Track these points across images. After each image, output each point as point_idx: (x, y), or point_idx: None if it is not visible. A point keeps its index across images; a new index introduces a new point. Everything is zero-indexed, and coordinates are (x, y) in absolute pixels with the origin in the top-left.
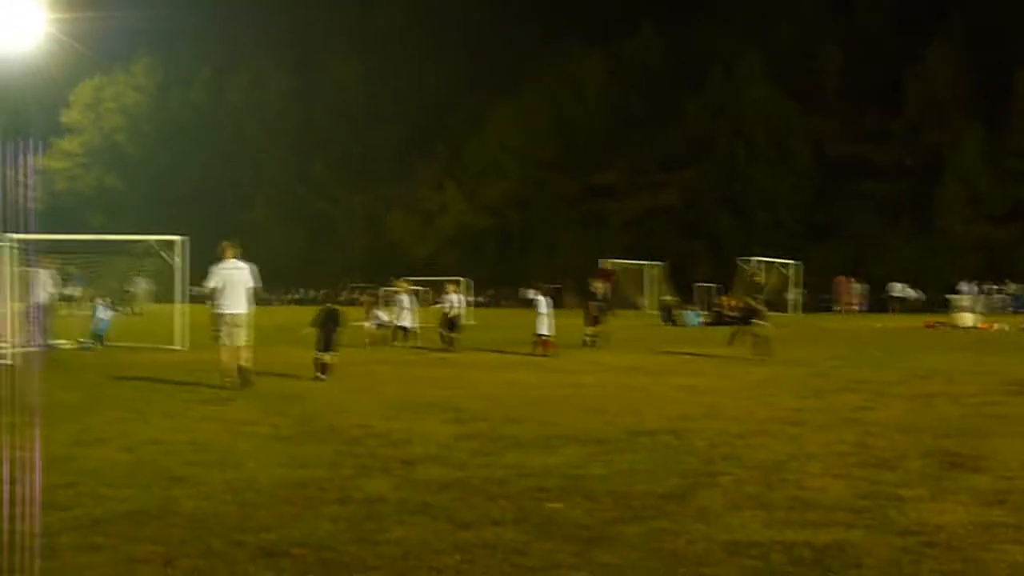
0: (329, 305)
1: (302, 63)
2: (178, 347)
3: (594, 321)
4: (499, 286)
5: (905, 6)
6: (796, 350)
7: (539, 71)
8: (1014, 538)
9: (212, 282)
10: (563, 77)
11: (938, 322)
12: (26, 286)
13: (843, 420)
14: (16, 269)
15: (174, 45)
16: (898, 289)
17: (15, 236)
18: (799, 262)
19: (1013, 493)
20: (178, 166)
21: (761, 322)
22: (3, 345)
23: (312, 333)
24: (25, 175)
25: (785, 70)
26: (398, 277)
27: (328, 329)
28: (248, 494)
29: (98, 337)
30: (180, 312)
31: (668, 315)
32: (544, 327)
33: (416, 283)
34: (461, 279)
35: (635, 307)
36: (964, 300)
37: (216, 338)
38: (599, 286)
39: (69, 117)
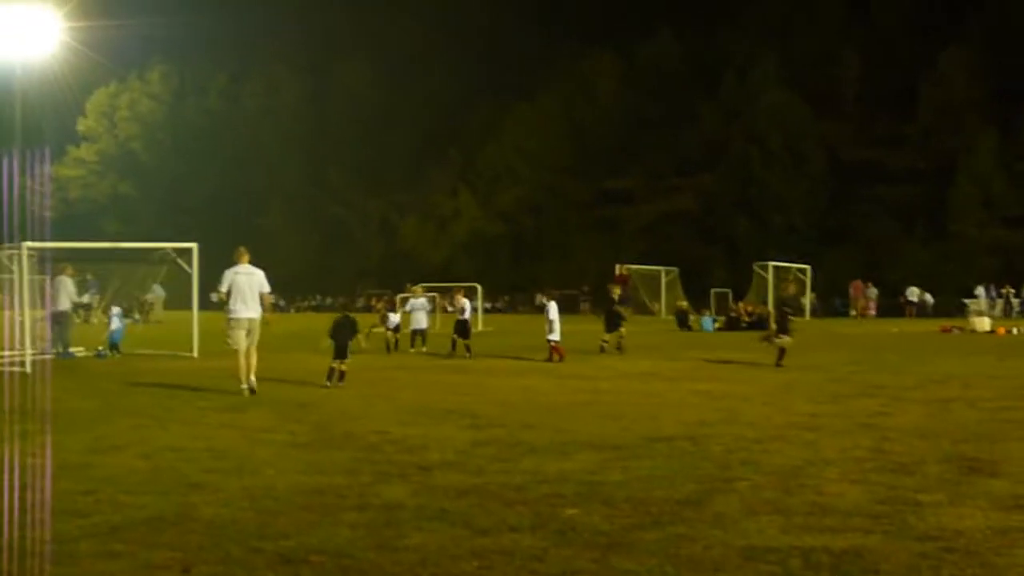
0: (344, 314)
1: (316, 69)
2: (193, 354)
3: (614, 327)
4: (514, 292)
5: (922, 11)
6: (813, 355)
7: (554, 76)
8: None
9: (223, 286)
10: (578, 82)
11: (954, 326)
12: (47, 294)
13: (860, 425)
14: (36, 277)
15: (189, 53)
16: (915, 294)
17: (31, 244)
18: (808, 267)
19: None
20: (193, 173)
21: (785, 335)
22: (21, 353)
23: (332, 345)
24: (42, 184)
25: (800, 75)
26: (414, 283)
27: (343, 337)
28: (266, 501)
29: (114, 346)
30: (195, 320)
31: (683, 320)
32: (553, 333)
33: (430, 289)
34: (477, 286)
35: (650, 312)
36: (980, 304)
37: (229, 344)
38: (617, 291)
39: (84, 125)
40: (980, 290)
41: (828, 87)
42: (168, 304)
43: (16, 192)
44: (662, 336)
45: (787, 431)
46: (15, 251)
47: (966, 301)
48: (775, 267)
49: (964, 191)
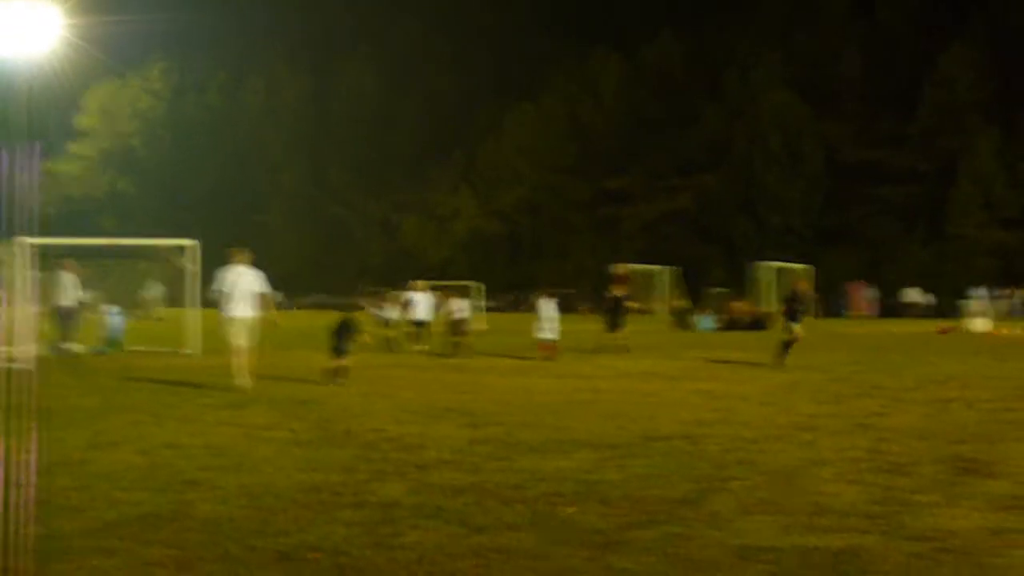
0: (346, 314)
1: (317, 67)
2: (192, 351)
3: (616, 327)
4: (514, 291)
5: (925, 10)
6: (812, 355)
7: (556, 76)
8: None
9: (216, 284)
10: (580, 82)
11: (952, 327)
12: (49, 290)
13: (857, 426)
14: (38, 273)
15: (189, 49)
16: (913, 295)
17: (29, 240)
18: (812, 266)
19: None
20: (192, 170)
21: (795, 323)
22: (20, 350)
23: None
24: (42, 178)
25: (802, 75)
26: (415, 281)
27: (342, 336)
28: (264, 498)
29: (116, 343)
30: (193, 317)
31: (681, 320)
32: (544, 331)
33: (432, 287)
34: (476, 284)
35: (648, 312)
36: (978, 305)
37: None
38: (623, 290)
39: (83, 121)
40: (980, 291)
41: (830, 87)
42: (166, 301)
43: (16, 187)
44: (660, 335)
45: (784, 431)
46: (9, 246)
47: (965, 301)
48: (778, 268)
49: (965, 192)
